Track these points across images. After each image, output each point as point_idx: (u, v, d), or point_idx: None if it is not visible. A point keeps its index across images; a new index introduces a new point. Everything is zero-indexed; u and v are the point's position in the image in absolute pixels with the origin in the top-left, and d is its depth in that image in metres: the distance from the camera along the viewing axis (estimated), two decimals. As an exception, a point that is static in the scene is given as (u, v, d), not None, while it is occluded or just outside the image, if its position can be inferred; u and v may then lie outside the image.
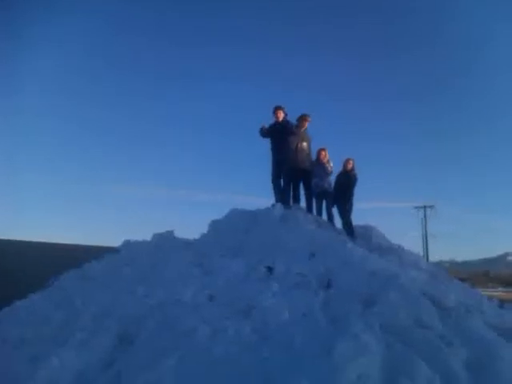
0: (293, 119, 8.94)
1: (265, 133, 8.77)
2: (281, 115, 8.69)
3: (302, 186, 9.04)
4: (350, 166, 8.92)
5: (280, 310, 4.42)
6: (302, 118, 9.01)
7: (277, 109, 8.73)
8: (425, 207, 48.36)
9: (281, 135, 8.55)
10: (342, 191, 8.81)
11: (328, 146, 9.31)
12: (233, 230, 7.45)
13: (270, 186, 8.85)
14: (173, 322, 4.47)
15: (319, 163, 9.02)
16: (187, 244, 7.59)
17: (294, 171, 8.73)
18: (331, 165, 9.23)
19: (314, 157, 9.12)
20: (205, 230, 8.16)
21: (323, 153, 9.20)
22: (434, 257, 52.95)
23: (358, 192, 8.96)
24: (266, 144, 8.97)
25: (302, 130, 9.02)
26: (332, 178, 9.19)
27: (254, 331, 4.15)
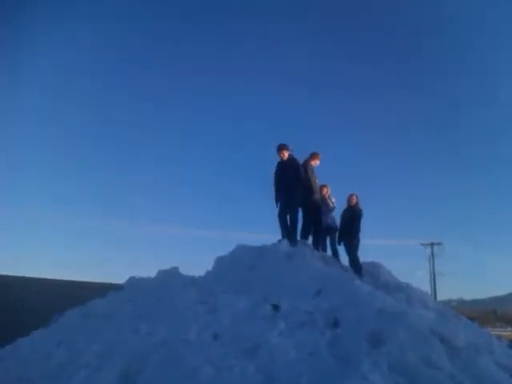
0: (298, 154, 8.96)
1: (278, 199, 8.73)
2: (285, 155, 8.60)
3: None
4: (353, 202, 8.97)
5: (286, 349, 4.36)
6: (314, 157, 9.11)
7: (281, 148, 8.64)
8: (432, 244, 47.81)
9: (287, 173, 8.53)
10: (348, 227, 8.81)
11: (330, 181, 9.43)
12: (238, 267, 7.41)
13: (275, 222, 8.79)
14: (177, 361, 4.41)
15: (321, 199, 9.08)
16: (192, 281, 7.54)
17: (308, 208, 8.73)
18: (333, 200, 9.31)
19: None
20: (210, 266, 8.13)
21: (325, 189, 9.30)
22: (442, 295, 52.17)
23: (364, 228, 8.95)
24: (270, 180, 8.97)
25: (314, 167, 9.11)
26: (335, 214, 9.23)
27: (259, 371, 4.08)
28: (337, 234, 9.08)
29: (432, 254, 47.45)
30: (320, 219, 8.85)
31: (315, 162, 9.15)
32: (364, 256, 8.96)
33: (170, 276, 7.63)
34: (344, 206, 9.18)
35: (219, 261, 8.06)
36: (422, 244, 48.64)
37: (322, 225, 8.90)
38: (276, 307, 5.55)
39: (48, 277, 16.55)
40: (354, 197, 9.01)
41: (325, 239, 9.17)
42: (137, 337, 5.18)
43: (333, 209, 9.32)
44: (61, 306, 7.23)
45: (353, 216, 8.86)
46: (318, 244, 8.91)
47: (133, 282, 7.91)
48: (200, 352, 4.52)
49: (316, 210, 8.81)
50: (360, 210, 8.94)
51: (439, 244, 47.74)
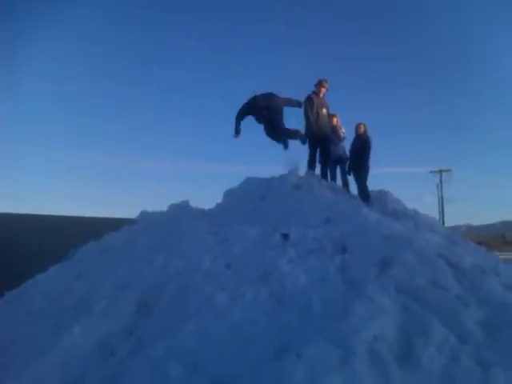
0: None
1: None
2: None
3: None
4: (361, 131, 8.84)
5: (297, 275, 4.47)
6: (320, 84, 8.85)
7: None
8: (441, 171, 47.63)
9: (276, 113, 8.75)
10: (357, 157, 8.75)
11: (340, 111, 9.26)
12: (248, 198, 7.48)
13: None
14: (192, 290, 4.56)
15: (331, 129, 8.96)
16: (203, 213, 7.65)
17: (313, 138, 8.65)
18: (343, 130, 9.19)
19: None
20: (220, 200, 8.22)
21: (334, 119, 9.13)
22: (451, 221, 52.65)
23: (373, 157, 8.88)
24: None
25: (321, 96, 8.88)
26: (346, 144, 9.16)
27: (271, 296, 4.21)
28: (347, 163, 9.05)
29: (440, 181, 47.36)
30: (328, 149, 8.78)
31: (322, 90, 8.91)
32: (373, 185, 8.97)
33: (181, 209, 7.74)
34: (353, 135, 9.07)
35: (229, 193, 8.12)
36: (431, 171, 48.51)
37: (330, 155, 8.83)
38: (285, 236, 5.64)
39: (62, 214, 16.85)
40: (362, 126, 8.88)
41: (335, 169, 9.14)
42: (152, 268, 5.33)
43: (343, 138, 9.23)
44: (76, 242, 7.39)
45: (361, 145, 8.78)
46: (326, 174, 8.90)
47: (145, 215, 8.03)
48: (214, 280, 4.66)
49: (323, 140, 8.73)
50: (368, 139, 8.82)
51: (448, 171, 47.59)
